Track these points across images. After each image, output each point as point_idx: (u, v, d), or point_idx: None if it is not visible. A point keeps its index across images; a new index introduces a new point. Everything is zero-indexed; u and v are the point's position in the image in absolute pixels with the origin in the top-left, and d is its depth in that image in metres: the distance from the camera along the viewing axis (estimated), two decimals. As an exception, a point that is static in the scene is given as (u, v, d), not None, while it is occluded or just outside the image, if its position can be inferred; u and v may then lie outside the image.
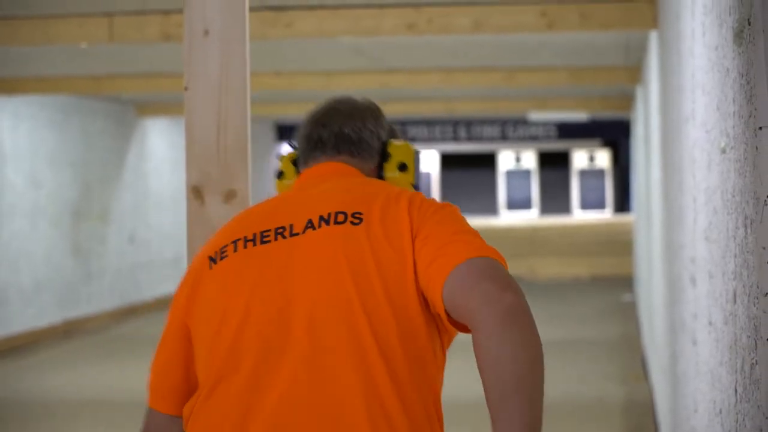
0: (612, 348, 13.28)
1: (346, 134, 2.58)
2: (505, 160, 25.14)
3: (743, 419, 2.77)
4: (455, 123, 23.65)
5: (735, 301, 2.89)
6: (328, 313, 2.35)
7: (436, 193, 25.19)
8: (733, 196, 2.84)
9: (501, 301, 2.19)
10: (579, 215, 24.27)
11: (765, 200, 2.33)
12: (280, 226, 2.42)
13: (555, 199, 25.29)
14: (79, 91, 12.71)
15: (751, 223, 2.57)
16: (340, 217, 2.40)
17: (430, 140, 23.94)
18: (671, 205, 6.31)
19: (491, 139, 23.85)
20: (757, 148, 2.34)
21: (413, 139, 23.85)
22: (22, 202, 14.33)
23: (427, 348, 2.39)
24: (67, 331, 15.26)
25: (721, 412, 3.34)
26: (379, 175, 2.64)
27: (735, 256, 2.88)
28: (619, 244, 21.40)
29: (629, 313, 15.93)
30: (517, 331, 2.16)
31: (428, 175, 25.20)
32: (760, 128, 2.31)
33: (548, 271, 21.35)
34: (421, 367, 2.38)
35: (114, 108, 16.83)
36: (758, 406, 2.45)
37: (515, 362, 2.12)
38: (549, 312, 16.59)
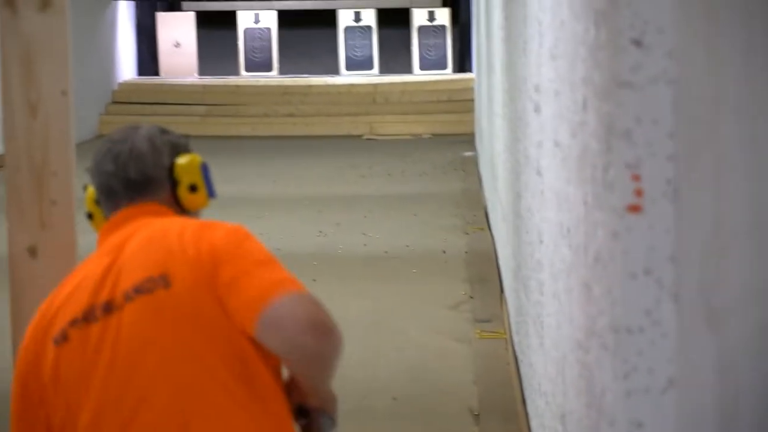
0: (454, 201, 13.28)
1: (132, 180, 2.58)
2: (345, 18, 24.79)
3: (594, 229, 2.67)
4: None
5: (585, 108, 2.78)
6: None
7: (275, 52, 24.79)
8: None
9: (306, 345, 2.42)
10: (419, 75, 24.15)
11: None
12: (104, 301, 2.45)
13: (395, 58, 25.11)
14: None
15: (603, 18, 2.44)
16: (150, 285, 2.44)
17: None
18: (514, 40, 6.20)
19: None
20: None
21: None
22: None
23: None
24: None
25: (569, 231, 3.26)
26: (176, 200, 2.62)
27: (584, 61, 2.77)
28: (460, 102, 21.39)
29: (471, 169, 15.95)
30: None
31: (268, 30, 24.74)
32: None
33: (388, 129, 21.28)
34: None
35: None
36: (613, 209, 2.34)
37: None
38: (389, 167, 16.54)
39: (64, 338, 2.45)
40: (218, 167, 13.56)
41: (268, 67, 24.60)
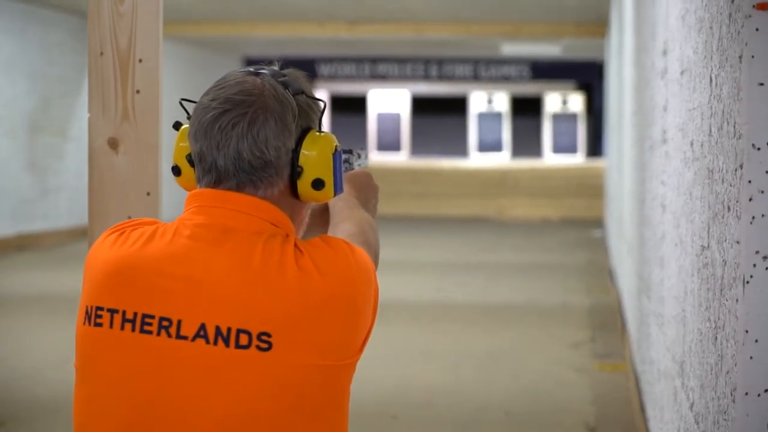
0: (579, 270, 13.02)
1: (246, 160, 2.05)
2: (477, 102, 24.77)
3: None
4: (426, 61, 23.30)
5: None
6: None
7: (405, 134, 24.84)
8: None
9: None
10: (550, 159, 23.96)
11: None
12: (165, 316, 2.01)
13: (526, 142, 25.02)
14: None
15: None
16: (243, 339, 1.97)
17: (401, 78, 23.58)
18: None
19: (463, 79, 23.50)
20: None
21: (383, 77, 23.46)
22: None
23: None
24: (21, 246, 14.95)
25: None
26: (293, 192, 2.12)
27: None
28: (591, 187, 21.14)
29: (598, 246, 15.69)
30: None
31: (398, 115, 24.86)
32: None
33: (517, 213, 21.08)
34: None
35: (75, 21, 16.41)
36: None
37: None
38: (516, 243, 16.36)
39: (95, 321, 2.06)
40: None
41: (397, 148, 24.67)
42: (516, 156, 24.64)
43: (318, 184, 2.10)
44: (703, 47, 2.83)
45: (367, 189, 2.51)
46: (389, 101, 24.91)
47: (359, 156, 2.53)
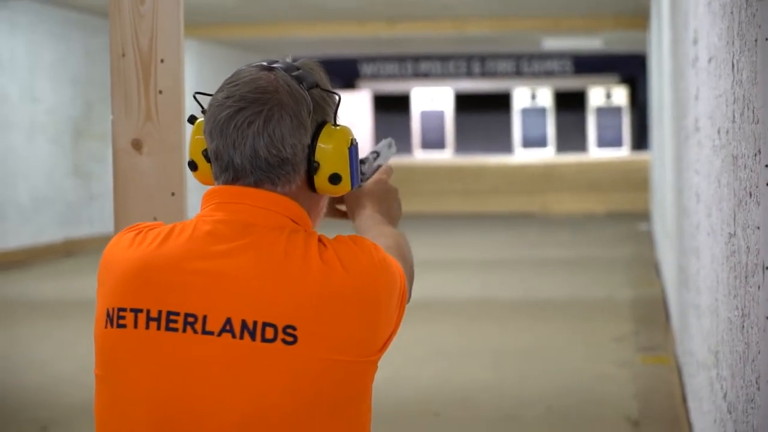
0: (625, 264, 12.95)
1: (262, 158, 2.05)
2: (520, 97, 24.70)
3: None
4: (469, 58, 23.26)
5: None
6: None
7: (449, 132, 24.81)
8: None
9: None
10: (595, 153, 23.85)
11: None
12: (190, 312, 2.01)
13: (571, 136, 24.92)
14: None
15: None
16: (269, 332, 1.97)
17: (444, 76, 23.54)
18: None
19: (506, 75, 23.44)
20: None
21: (426, 75, 23.42)
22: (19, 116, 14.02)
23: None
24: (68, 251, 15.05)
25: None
26: (310, 186, 2.12)
27: None
28: (637, 181, 21.00)
29: (644, 239, 15.59)
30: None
31: (442, 112, 24.84)
32: None
33: (563, 208, 20.99)
34: None
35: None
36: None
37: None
38: (561, 238, 16.30)
39: (118, 322, 2.05)
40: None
41: (441, 146, 24.64)
42: (561, 151, 24.55)
43: (335, 178, 2.10)
44: (726, 33, 2.81)
45: (387, 196, 2.49)
46: (432, 99, 24.89)
47: (377, 156, 2.49)
